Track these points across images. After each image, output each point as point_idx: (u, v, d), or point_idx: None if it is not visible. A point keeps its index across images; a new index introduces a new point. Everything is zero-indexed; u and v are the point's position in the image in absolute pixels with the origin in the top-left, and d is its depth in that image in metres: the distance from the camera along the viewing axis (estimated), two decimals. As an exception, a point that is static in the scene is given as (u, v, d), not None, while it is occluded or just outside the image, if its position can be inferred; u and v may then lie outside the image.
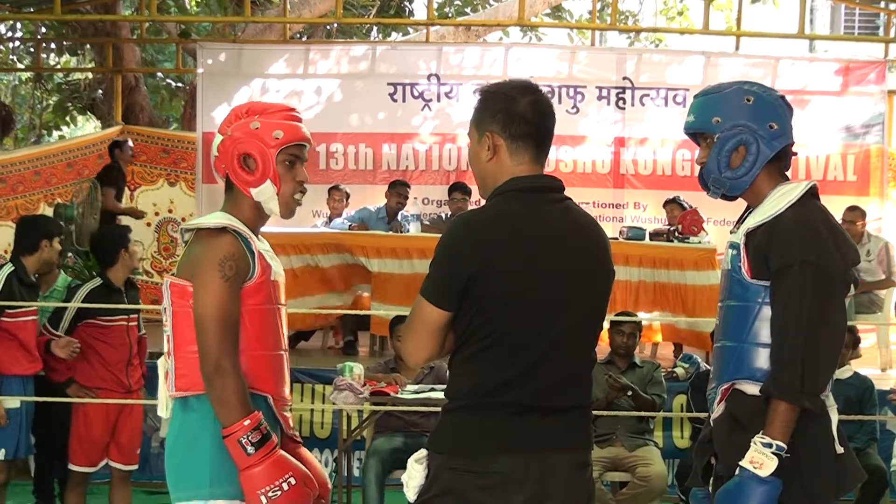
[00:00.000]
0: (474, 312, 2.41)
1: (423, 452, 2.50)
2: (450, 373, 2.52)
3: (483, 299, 2.40)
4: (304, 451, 2.94)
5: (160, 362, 2.84)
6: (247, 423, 2.61)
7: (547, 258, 2.43)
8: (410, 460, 2.53)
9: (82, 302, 5.35)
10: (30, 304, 5.40)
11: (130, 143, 9.53)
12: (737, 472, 2.67)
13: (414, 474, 2.50)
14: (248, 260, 2.72)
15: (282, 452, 2.68)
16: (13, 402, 5.31)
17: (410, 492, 2.51)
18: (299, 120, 2.87)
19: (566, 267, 2.45)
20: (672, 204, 8.83)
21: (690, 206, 8.46)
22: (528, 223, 2.45)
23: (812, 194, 2.79)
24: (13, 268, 5.36)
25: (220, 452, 2.64)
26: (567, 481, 2.44)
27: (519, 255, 2.41)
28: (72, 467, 5.44)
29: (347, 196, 9.21)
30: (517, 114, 2.48)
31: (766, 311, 2.72)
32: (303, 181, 2.84)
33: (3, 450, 5.34)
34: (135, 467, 5.57)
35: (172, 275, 2.78)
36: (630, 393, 5.91)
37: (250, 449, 2.60)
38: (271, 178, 2.76)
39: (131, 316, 5.48)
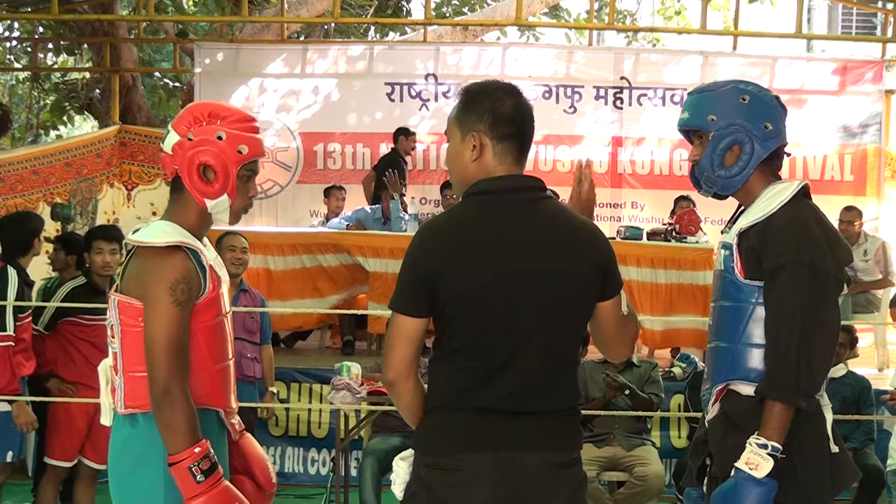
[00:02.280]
0: (441, 315, 2.41)
1: (409, 451, 2.52)
2: (427, 375, 2.52)
3: (447, 302, 2.39)
4: (250, 441, 2.90)
5: (101, 369, 2.80)
6: (197, 450, 2.56)
7: (511, 259, 2.40)
8: (396, 459, 2.55)
9: (65, 299, 5.35)
10: (39, 304, 5.39)
11: (416, 133, 9.57)
12: (732, 473, 2.67)
13: (399, 472, 2.51)
14: (199, 279, 2.65)
15: (227, 483, 2.63)
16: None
17: (397, 489, 2.52)
18: (259, 131, 2.78)
19: (533, 267, 2.40)
20: (685, 201, 8.76)
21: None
22: (491, 225, 2.42)
23: (804, 194, 2.79)
24: (16, 270, 5.35)
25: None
26: (542, 481, 2.41)
27: (480, 257, 2.39)
28: (47, 461, 5.45)
29: (345, 193, 9.25)
30: (504, 114, 2.47)
31: (760, 312, 2.71)
32: (254, 196, 2.80)
33: (10, 451, 5.32)
34: (104, 467, 5.57)
35: (117, 290, 2.70)
36: (627, 392, 5.92)
37: (200, 476, 2.55)
38: (229, 192, 2.70)
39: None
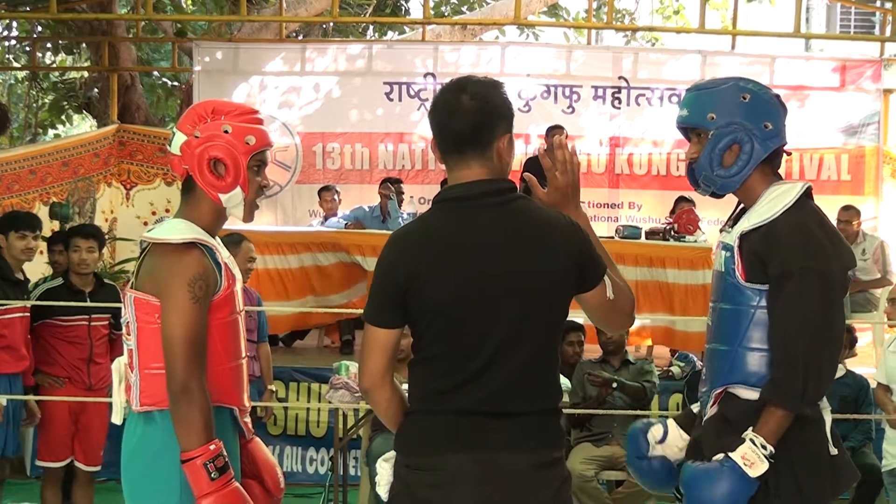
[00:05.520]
0: (417, 322, 2.42)
1: (391, 453, 2.52)
2: (408, 378, 2.52)
3: (420, 311, 2.39)
4: (259, 445, 2.92)
5: (115, 367, 2.80)
6: (212, 447, 2.57)
7: (479, 264, 2.38)
8: (379, 460, 2.54)
9: (41, 300, 5.36)
10: (12, 302, 5.37)
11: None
12: (719, 457, 2.63)
13: (382, 473, 2.51)
14: (215, 276, 2.67)
15: (237, 484, 2.63)
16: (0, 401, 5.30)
17: (382, 490, 2.52)
18: (263, 123, 2.81)
19: (507, 269, 2.38)
20: (685, 202, 8.75)
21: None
22: (461, 229, 2.41)
23: (807, 196, 2.75)
24: None
25: None
26: (524, 481, 2.40)
27: (448, 264, 2.38)
28: (39, 464, 5.47)
29: (338, 194, 9.25)
30: (436, 124, 2.47)
31: (761, 316, 2.68)
32: (265, 186, 2.80)
33: None
34: (98, 468, 5.56)
35: (132, 287, 2.71)
36: (615, 385, 5.93)
37: (214, 474, 2.55)
38: (241, 184, 2.71)
39: (94, 316, 5.46)
